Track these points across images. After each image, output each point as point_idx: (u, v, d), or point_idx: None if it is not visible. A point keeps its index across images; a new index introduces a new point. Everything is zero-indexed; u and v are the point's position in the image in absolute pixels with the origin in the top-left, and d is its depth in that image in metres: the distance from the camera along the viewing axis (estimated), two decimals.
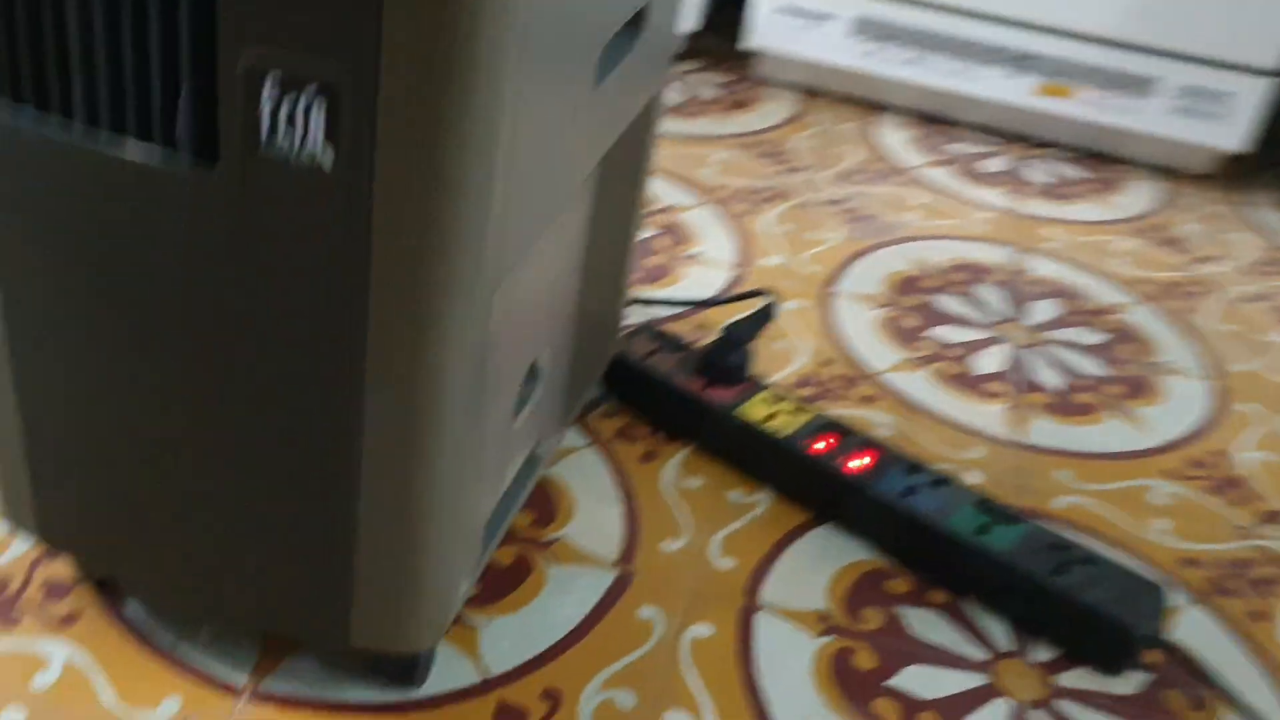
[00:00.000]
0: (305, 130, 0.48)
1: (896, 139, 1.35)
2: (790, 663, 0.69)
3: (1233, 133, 1.27)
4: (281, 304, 0.52)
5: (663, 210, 1.14)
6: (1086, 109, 1.30)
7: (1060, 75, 1.29)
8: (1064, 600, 0.72)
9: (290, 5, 0.45)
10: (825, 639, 0.71)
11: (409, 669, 0.64)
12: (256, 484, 0.57)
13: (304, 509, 0.57)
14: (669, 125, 1.31)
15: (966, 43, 1.31)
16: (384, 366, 0.53)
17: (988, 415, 0.92)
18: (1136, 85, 1.27)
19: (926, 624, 0.73)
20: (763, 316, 0.89)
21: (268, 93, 0.47)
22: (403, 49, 0.45)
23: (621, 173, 0.74)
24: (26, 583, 0.69)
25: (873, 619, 0.73)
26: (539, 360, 0.67)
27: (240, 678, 0.64)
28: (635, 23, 0.65)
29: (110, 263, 0.53)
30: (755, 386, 0.86)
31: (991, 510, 0.77)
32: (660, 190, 1.18)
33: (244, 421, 0.56)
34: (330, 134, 0.47)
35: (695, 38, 1.55)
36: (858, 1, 1.33)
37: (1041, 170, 1.33)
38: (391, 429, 0.54)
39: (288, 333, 0.53)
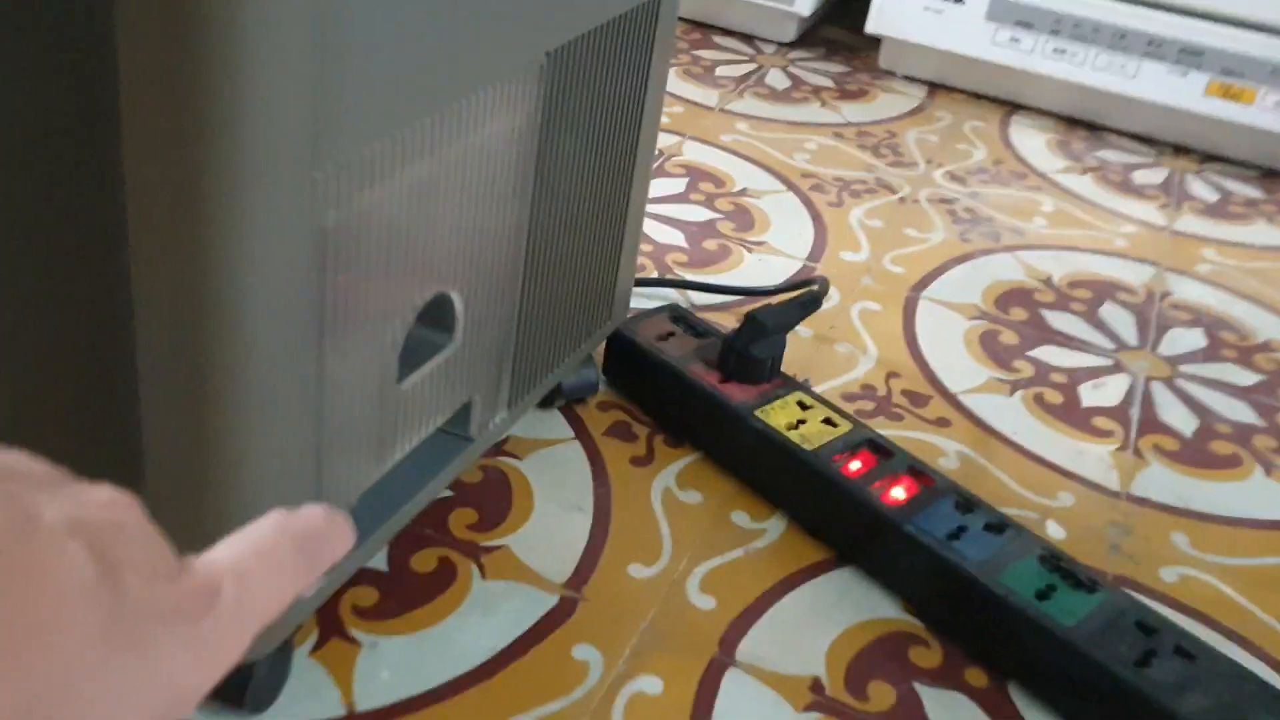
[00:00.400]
0: None
1: (1032, 141, 1.16)
2: None
3: None
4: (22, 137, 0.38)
5: (737, 193, 0.98)
6: (1268, 115, 1.09)
7: (1237, 74, 1.08)
8: (1148, 703, 0.52)
9: None
10: (811, 715, 0.53)
11: (238, 688, 0.49)
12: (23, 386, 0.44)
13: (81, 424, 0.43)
14: (762, 108, 1.14)
15: (1123, 32, 1.11)
16: (148, 275, 0.38)
17: (1089, 456, 0.73)
18: None
19: (954, 712, 0.55)
20: (804, 304, 0.71)
21: None
22: None
23: (601, 83, 0.58)
24: None
25: (881, 697, 0.55)
26: (450, 301, 0.51)
27: None
28: None
29: None
30: (784, 385, 0.68)
31: (1061, 569, 0.58)
32: (736, 170, 1.02)
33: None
34: None
35: (814, 25, 1.38)
36: None
37: (1206, 185, 1.11)
38: (165, 353, 0.40)
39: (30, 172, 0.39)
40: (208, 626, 0.21)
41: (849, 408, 0.74)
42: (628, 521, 0.63)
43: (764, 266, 0.88)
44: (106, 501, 0.21)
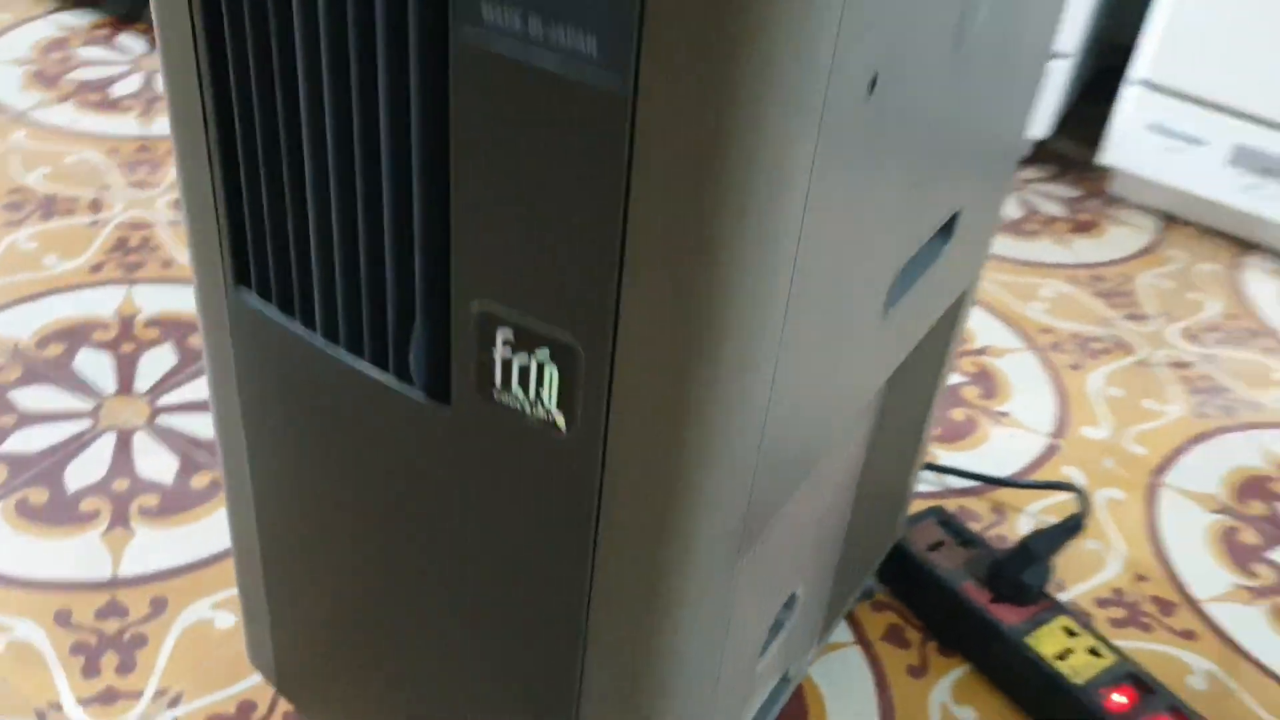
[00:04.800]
0: (539, 388, 0.43)
1: (1268, 289, 1.18)
2: None
3: None
4: (503, 540, 0.47)
5: (978, 351, 1.04)
6: None
7: None
8: None
9: (524, 267, 0.40)
10: None
11: None
12: (479, 695, 0.54)
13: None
14: (1000, 245, 1.19)
15: None
16: (605, 634, 0.47)
17: None
18: None
19: None
20: (1070, 528, 0.77)
21: (500, 345, 0.43)
22: (642, 321, 0.39)
23: (913, 378, 0.65)
24: (270, 711, 0.69)
25: None
26: (795, 594, 0.60)
27: None
28: (945, 228, 0.56)
29: (347, 456, 0.51)
30: (1051, 608, 0.75)
31: None
32: (978, 325, 1.07)
33: (465, 640, 0.52)
34: (564, 401, 0.42)
35: (1044, 141, 1.42)
36: (1241, 127, 1.16)
37: None
38: (612, 693, 0.49)
39: (507, 564, 0.48)
40: None
41: (1101, 614, 0.80)
42: None
43: (1013, 442, 0.94)
44: None
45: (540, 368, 0.42)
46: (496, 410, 0.44)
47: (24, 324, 0.95)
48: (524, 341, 0.42)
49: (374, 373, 0.47)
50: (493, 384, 0.43)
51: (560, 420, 0.43)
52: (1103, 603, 0.81)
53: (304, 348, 0.49)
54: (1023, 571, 0.74)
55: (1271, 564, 0.86)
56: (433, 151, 0.40)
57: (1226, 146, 1.19)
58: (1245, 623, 0.81)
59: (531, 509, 0.46)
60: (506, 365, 0.43)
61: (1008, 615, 0.74)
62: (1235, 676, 0.77)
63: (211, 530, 0.79)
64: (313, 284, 0.47)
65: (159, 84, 1.31)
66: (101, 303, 0.98)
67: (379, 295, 0.45)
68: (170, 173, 1.16)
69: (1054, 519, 0.87)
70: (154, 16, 0.46)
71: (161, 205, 1.11)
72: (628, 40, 0.34)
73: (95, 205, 1.10)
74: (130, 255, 1.04)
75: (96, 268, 1.02)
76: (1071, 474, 0.91)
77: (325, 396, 0.49)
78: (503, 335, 0.42)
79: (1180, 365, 1.06)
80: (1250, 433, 0.99)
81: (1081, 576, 0.83)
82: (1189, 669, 0.77)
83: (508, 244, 0.40)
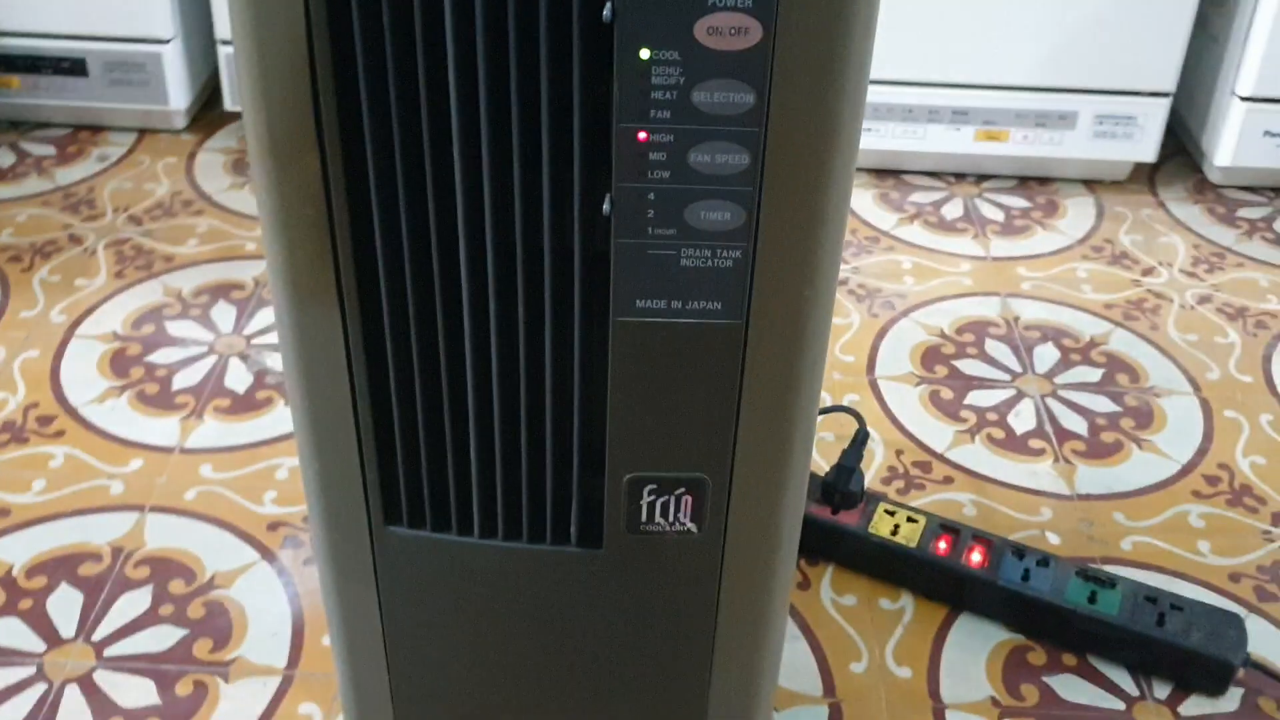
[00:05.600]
0: (677, 512, 0.62)
1: (860, 199, 1.52)
2: None
3: (1144, 147, 1.48)
4: (641, 637, 0.66)
5: None
6: (1018, 146, 1.49)
7: (993, 123, 1.47)
8: (1173, 648, 0.91)
9: (666, 442, 0.59)
10: None
11: None
12: None
13: None
14: None
15: (910, 108, 1.48)
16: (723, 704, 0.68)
17: (1041, 474, 1.11)
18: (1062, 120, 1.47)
19: (1068, 685, 0.92)
20: (861, 440, 1.05)
21: (646, 494, 0.61)
22: (751, 455, 0.59)
23: None
24: None
25: (1031, 694, 0.92)
26: None
27: None
28: None
29: (497, 623, 0.66)
30: (871, 501, 1.02)
31: (1090, 578, 0.96)
32: None
33: None
34: (696, 515, 0.61)
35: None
36: None
37: (990, 205, 1.51)
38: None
39: (642, 657, 0.67)
40: None
41: (891, 489, 1.09)
42: (827, 635, 0.96)
43: None
44: None
45: (678, 499, 0.61)
46: (642, 538, 0.62)
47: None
48: (666, 486, 0.61)
49: (530, 547, 0.63)
50: (639, 521, 0.62)
51: (694, 528, 0.62)
52: (886, 481, 1.10)
53: (456, 550, 0.64)
54: (847, 484, 1.01)
55: (970, 408, 1.19)
56: (592, 384, 0.58)
57: None
58: (974, 457, 1.13)
59: (668, 602, 0.65)
60: (651, 506, 0.61)
61: (848, 519, 1.01)
62: (988, 497, 1.09)
63: None
64: (470, 500, 0.62)
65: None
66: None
67: (538, 493, 0.62)
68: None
69: (833, 436, 1.15)
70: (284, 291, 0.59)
71: None
72: (742, 298, 0.54)
73: None
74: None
75: None
76: (824, 398, 1.20)
77: (478, 583, 0.65)
78: (649, 488, 0.61)
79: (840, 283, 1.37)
80: (911, 315, 1.32)
81: (866, 463, 1.11)
82: (960, 504, 1.08)
83: (652, 432, 0.58)
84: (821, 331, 0.57)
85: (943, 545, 0.99)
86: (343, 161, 0.53)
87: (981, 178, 1.58)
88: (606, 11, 0.47)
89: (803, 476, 0.62)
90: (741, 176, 0.50)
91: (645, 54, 0.47)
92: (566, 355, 0.57)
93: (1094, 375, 1.24)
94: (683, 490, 0.61)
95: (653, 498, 0.61)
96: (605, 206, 0.52)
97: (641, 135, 0.49)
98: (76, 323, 1.27)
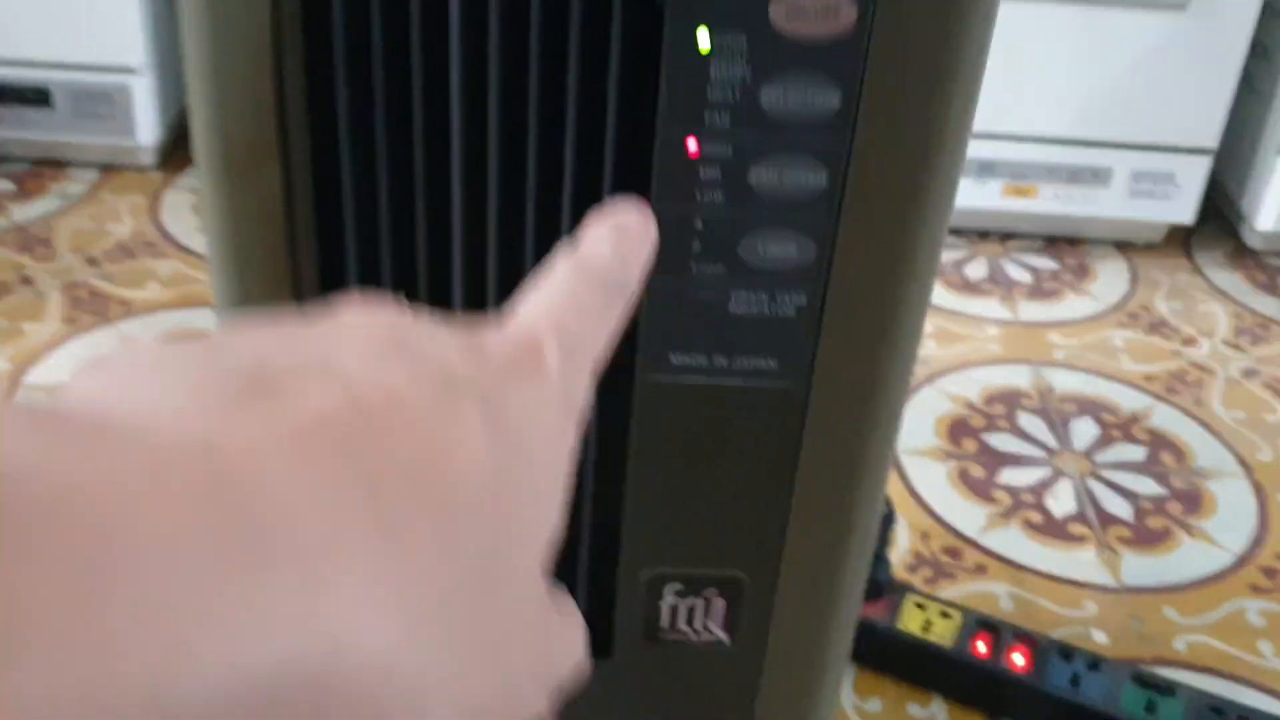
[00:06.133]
0: (706, 618, 0.50)
1: None
2: None
3: (1182, 208, 1.39)
4: None
5: None
6: (1047, 204, 1.40)
7: (1021, 177, 1.38)
8: None
9: (695, 532, 0.48)
10: None
11: None
12: None
13: None
14: None
15: None
16: None
17: (1084, 563, 1.00)
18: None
19: None
20: (887, 521, 0.94)
21: (668, 596, 0.50)
22: (806, 546, 0.48)
23: None
24: None
25: None
26: None
27: None
28: None
29: None
30: (898, 592, 0.91)
31: (1147, 684, 0.85)
32: None
33: None
34: (728, 623, 0.50)
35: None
36: None
37: (1016, 266, 1.42)
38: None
39: None
40: (549, 379, 0.21)
41: (919, 578, 0.98)
42: None
43: None
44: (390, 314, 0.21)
45: (707, 602, 0.50)
46: (663, 648, 0.51)
47: None
48: (692, 587, 0.49)
49: None
50: (659, 629, 0.51)
51: (726, 638, 0.51)
52: (912, 568, 0.99)
53: None
54: (873, 571, 0.90)
55: (1003, 487, 1.08)
56: (608, 456, 0.46)
57: None
58: (1010, 543, 1.02)
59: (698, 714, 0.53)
60: (673, 610, 0.50)
61: (873, 611, 0.90)
62: (1026, 588, 0.97)
63: None
64: None
65: None
66: None
67: None
68: None
69: None
70: None
71: None
72: (805, 356, 0.43)
73: None
74: None
75: None
76: None
77: None
78: (671, 588, 0.50)
79: None
80: (935, 382, 1.21)
81: (890, 550, 1.00)
82: (996, 596, 0.97)
83: (679, 519, 0.47)
84: (896, 400, 0.46)
85: (981, 645, 0.87)
86: (310, 175, 0.42)
87: (1006, 236, 1.48)
88: None
89: (861, 579, 0.51)
90: (816, 201, 0.39)
91: (704, 39, 0.37)
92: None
93: (1137, 454, 1.13)
94: (714, 592, 0.49)
95: (676, 600, 0.50)
96: None
97: (692, 145, 0.38)
98: (22, 370, 1.15)
